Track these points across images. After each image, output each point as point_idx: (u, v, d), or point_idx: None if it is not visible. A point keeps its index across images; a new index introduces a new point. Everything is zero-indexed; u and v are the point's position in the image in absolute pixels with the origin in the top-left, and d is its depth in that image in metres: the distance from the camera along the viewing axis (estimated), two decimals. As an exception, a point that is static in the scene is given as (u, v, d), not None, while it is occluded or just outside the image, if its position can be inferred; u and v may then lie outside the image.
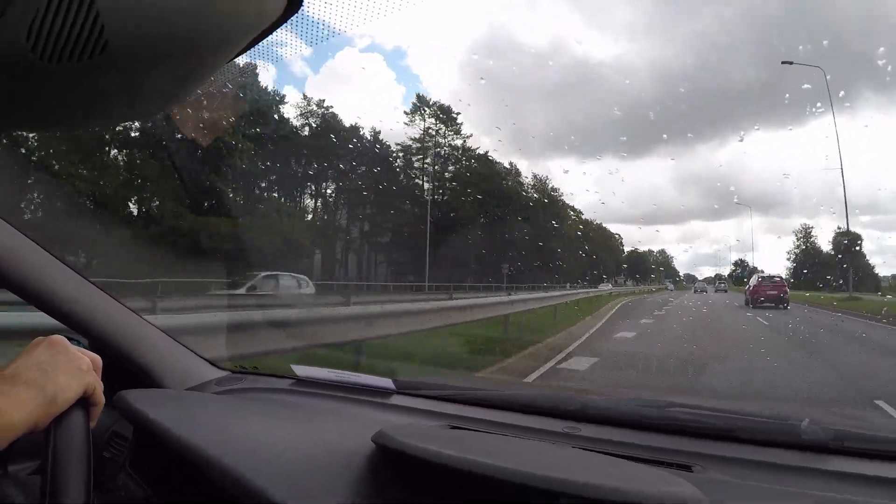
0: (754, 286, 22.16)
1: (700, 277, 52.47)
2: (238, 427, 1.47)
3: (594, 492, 0.97)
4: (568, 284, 37.30)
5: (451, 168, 47.87)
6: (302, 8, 0.77)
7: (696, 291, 40.21)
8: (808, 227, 39.10)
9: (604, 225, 58.46)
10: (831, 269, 32.21)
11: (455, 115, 46.38)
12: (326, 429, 1.54)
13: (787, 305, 20.94)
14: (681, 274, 61.95)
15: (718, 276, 47.73)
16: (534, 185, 48.57)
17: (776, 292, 21.84)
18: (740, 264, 44.61)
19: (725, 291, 38.95)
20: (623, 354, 9.28)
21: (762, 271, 29.54)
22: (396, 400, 1.90)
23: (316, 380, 2.07)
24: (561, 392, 2.28)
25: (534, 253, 41.95)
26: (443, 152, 46.99)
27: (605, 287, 37.03)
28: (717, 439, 1.47)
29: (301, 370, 2.13)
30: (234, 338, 4.09)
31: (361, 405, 1.86)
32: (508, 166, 48.12)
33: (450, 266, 38.77)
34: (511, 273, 38.52)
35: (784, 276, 23.83)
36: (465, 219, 43.27)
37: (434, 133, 45.36)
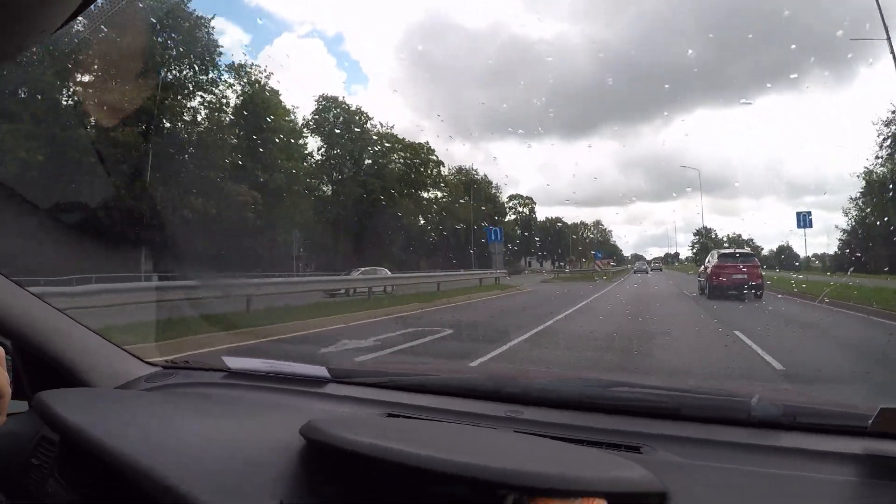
0: (714, 267, 16.11)
1: (649, 258, 53.57)
2: (163, 427, 1.44)
3: (539, 480, 0.95)
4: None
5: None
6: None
7: (635, 272, 39.94)
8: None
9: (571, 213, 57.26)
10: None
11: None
12: (257, 423, 1.52)
13: (761, 293, 15.57)
14: (626, 254, 60.05)
15: (656, 259, 51.71)
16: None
17: (746, 277, 15.31)
18: (704, 234, 41.14)
19: (660, 270, 42.94)
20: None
21: (726, 245, 22.87)
22: (331, 389, 1.88)
23: (248, 371, 2.06)
24: (502, 374, 2.30)
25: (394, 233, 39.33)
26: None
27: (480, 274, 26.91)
28: (666, 418, 1.48)
29: (233, 362, 2.12)
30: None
31: (295, 395, 1.86)
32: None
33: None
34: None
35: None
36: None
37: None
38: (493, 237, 28.40)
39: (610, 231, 63.40)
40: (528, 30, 60.68)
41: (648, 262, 48.81)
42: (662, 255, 63.77)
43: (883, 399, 1.34)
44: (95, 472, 1.28)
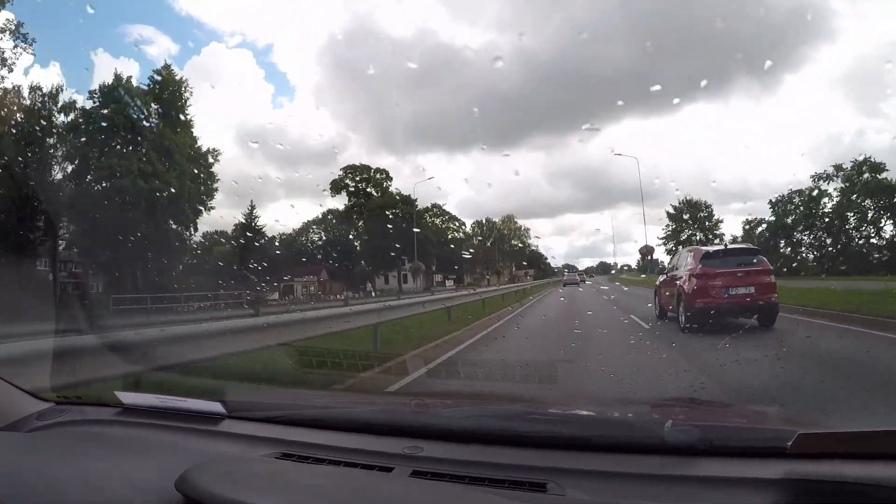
0: (695, 277, 9.66)
1: (581, 269, 53.17)
2: (40, 474, 1.36)
3: None
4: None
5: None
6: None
7: (567, 285, 36.59)
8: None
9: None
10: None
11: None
12: (140, 468, 1.45)
13: (773, 319, 9.25)
14: (553, 265, 58.04)
15: (588, 270, 53.04)
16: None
17: (753, 292, 8.35)
18: (673, 235, 38.92)
19: (583, 281, 41.10)
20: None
21: (714, 241, 15.86)
22: (226, 426, 1.81)
23: (142, 407, 1.99)
24: (401, 406, 2.19)
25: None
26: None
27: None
28: (574, 449, 1.42)
29: (126, 397, 2.06)
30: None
31: (188, 434, 1.78)
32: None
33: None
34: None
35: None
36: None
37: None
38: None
39: (527, 229, 58.63)
40: (454, 39, 61.31)
41: (581, 273, 46.14)
42: (595, 265, 61.60)
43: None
44: None
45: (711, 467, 1.29)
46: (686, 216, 43.55)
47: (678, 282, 9.76)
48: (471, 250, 56.19)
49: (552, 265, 57.55)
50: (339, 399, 3.14)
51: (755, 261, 9.28)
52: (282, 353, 5.50)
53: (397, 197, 49.55)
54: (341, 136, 57.34)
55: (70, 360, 3.62)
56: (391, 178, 50.85)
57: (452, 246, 52.13)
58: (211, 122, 60.74)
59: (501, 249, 58.09)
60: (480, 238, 59.19)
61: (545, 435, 1.48)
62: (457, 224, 57.43)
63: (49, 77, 54.16)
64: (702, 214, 44.10)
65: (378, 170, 51.63)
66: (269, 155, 56.60)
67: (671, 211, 43.55)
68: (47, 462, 1.43)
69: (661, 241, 27.85)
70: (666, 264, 12.38)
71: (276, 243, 44.03)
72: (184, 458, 1.40)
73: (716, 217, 43.86)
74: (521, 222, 59.85)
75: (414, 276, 45.94)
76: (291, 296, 37.02)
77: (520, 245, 59.40)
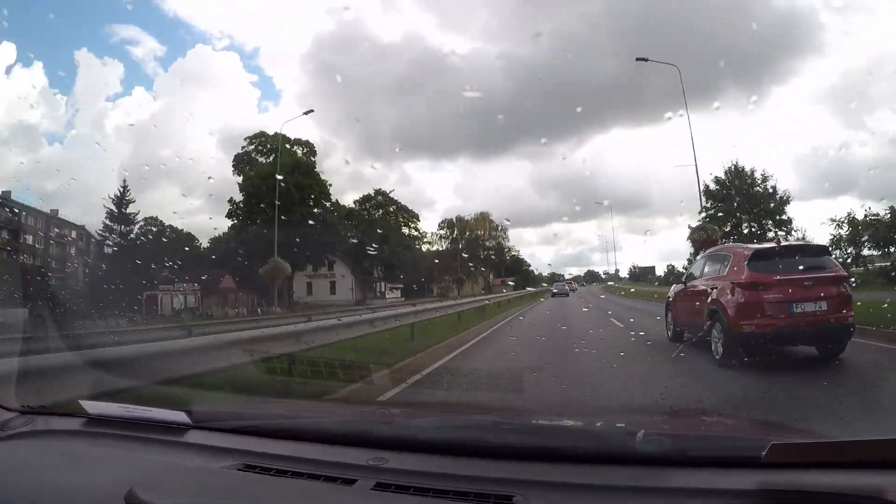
0: (740, 287, 6.72)
1: (567, 277, 50.06)
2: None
3: None
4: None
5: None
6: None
7: (555, 295, 33.67)
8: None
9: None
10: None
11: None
12: (95, 482, 1.46)
13: (843, 347, 6.55)
14: (542, 273, 54.09)
15: (576, 279, 49.30)
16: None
17: (825, 310, 5.15)
18: (713, 222, 24.18)
19: (574, 291, 38.53)
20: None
21: (777, 240, 12.23)
22: (191, 436, 1.78)
23: (107, 417, 1.97)
24: (367, 416, 2.14)
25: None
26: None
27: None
28: (543, 461, 1.40)
29: (92, 407, 2.03)
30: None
31: (151, 445, 1.74)
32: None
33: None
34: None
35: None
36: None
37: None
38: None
39: (504, 229, 51.27)
40: (442, 47, 58.46)
41: (570, 282, 43.25)
42: (583, 273, 60.64)
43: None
44: None
45: (685, 478, 1.28)
46: (734, 194, 30.36)
47: (711, 294, 7.04)
48: (426, 247, 48.18)
49: (538, 273, 54.00)
50: (305, 408, 2.89)
51: (822, 263, 6.58)
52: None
53: (299, 153, 37.85)
54: (326, 143, 57.33)
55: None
56: (315, 153, 40.25)
57: (403, 248, 43.50)
58: (195, 125, 56.16)
59: (475, 254, 49.61)
60: (449, 240, 50.69)
61: (513, 446, 1.46)
62: (407, 218, 46.78)
63: (32, 76, 50.01)
64: (757, 191, 30.28)
65: (301, 142, 39.53)
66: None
67: (713, 187, 30.70)
68: (4, 475, 1.48)
69: (694, 234, 20.38)
70: (693, 269, 9.00)
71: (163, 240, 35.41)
72: (145, 470, 1.46)
73: (783, 194, 30.27)
74: (514, 235, 54.37)
75: (271, 279, 30.23)
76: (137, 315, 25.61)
77: (498, 248, 51.42)
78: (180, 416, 1.81)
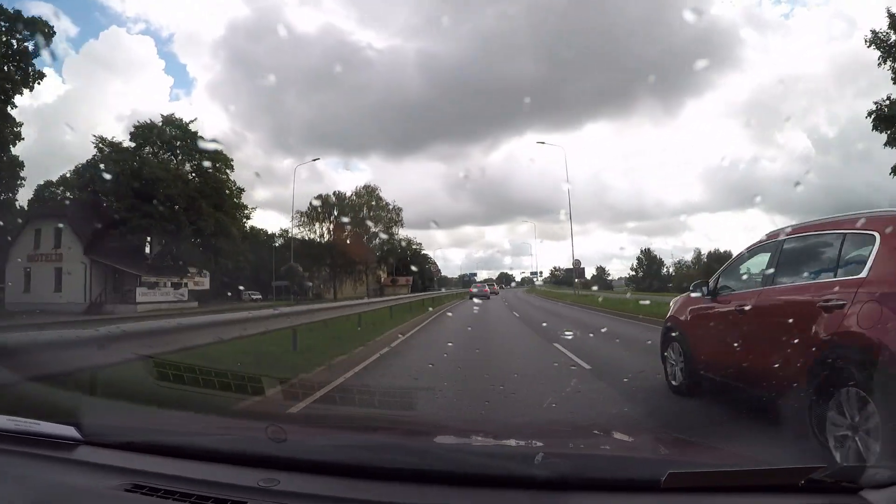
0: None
1: (479, 279, 49.23)
2: None
3: None
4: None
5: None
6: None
7: (473, 297, 32.93)
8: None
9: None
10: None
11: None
12: None
13: None
14: (447, 276, 54.50)
15: (488, 281, 44.85)
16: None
17: None
18: None
19: (497, 294, 37.38)
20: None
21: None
22: (81, 453, 1.68)
23: None
24: (259, 432, 1.84)
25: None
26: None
27: None
28: (444, 483, 1.37)
29: None
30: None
31: (39, 463, 1.63)
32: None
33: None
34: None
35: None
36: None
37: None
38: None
39: (398, 210, 44.89)
40: (358, 42, 61.92)
41: (491, 283, 41.61)
42: (496, 276, 61.08)
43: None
44: None
45: (583, 502, 1.29)
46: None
47: (820, 318, 3.55)
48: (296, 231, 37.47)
49: (444, 273, 50.67)
50: (198, 422, 2.66)
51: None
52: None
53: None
54: (237, 135, 54.64)
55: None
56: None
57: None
58: (103, 109, 51.76)
59: (357, 241, 37.97)
60: (329, 224, 39.34)
61: (413, 469, 1.43)
62: (227, 175, 33.76)
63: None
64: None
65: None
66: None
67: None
68: None
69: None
70: (737, 267, 5.40)
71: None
72: (31, 492, 1.39)
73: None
74: (391, 202, 43.06)
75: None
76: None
77: (387, 235, 40.79)
78: (70, 431, 1.72)
